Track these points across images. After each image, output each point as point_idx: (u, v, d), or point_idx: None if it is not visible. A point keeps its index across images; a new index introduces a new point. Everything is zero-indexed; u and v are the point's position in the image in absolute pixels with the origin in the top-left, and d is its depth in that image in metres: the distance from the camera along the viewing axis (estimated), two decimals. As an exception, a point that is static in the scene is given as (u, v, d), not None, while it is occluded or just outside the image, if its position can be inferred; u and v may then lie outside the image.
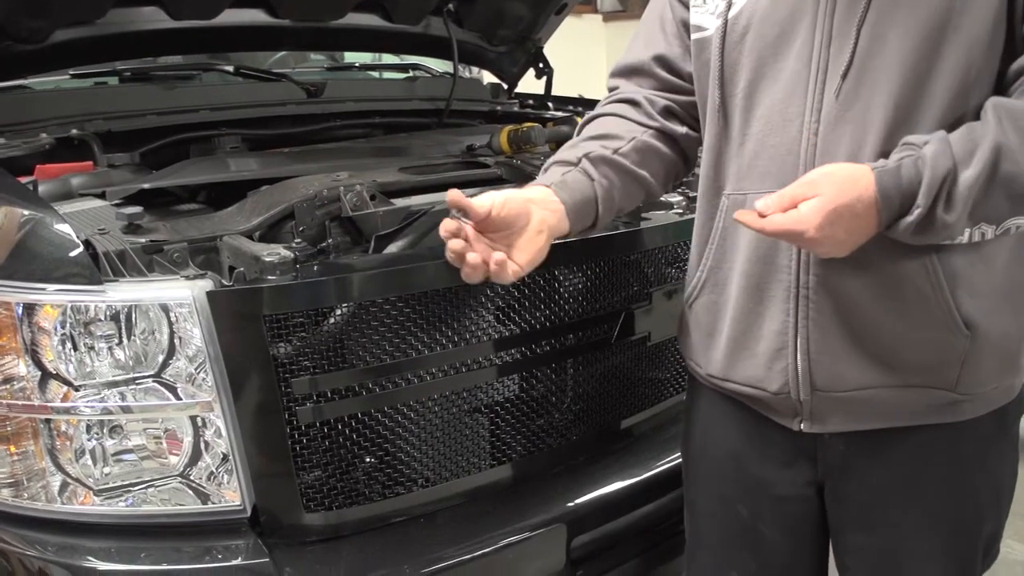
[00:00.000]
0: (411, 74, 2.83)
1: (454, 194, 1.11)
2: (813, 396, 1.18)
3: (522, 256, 1.16)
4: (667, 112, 1.35)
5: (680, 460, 1.65)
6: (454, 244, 1.11)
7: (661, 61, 1.34)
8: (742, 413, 1.30)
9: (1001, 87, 1.10)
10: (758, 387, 1.22)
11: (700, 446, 1.40)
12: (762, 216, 1.05)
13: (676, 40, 1.33)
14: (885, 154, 1.07)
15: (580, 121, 1.42)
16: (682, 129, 1.36)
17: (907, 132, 1.07)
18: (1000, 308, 1.16)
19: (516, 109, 2.80)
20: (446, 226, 1.11)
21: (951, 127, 1.06)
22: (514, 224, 1.16)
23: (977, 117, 1.07)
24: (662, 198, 1.74)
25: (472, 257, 1.10)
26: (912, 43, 1.06)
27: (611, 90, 1.41)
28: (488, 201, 1.13)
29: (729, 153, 1.22)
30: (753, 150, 1.18)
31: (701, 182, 1.28)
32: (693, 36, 1.27)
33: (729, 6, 1.19)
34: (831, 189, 1.02)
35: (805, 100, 1.12)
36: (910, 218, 1.02)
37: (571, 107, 2.66)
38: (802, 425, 1.22)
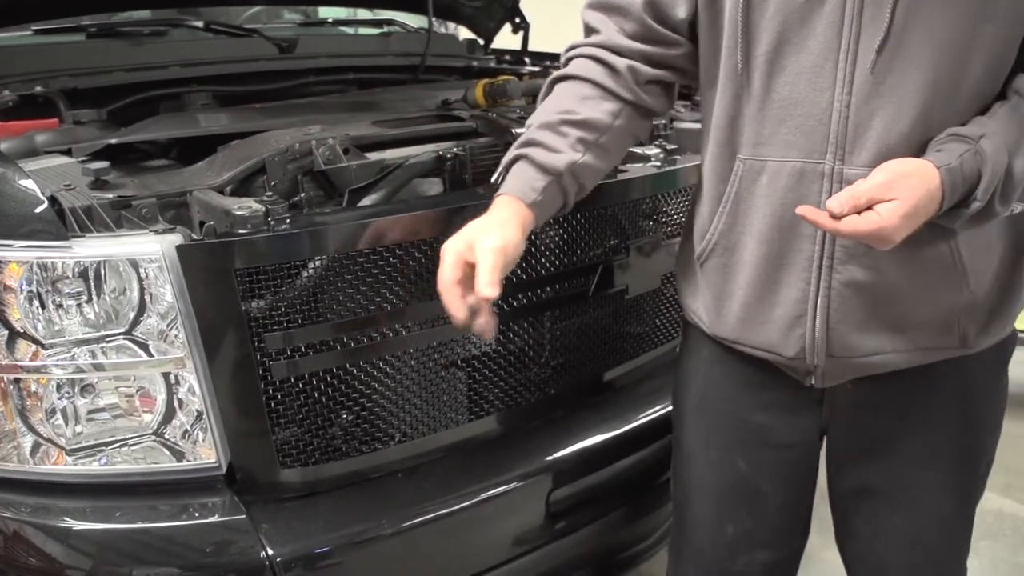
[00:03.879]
0: (385, 29, 2.79)
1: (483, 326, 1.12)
2: (827, 361, 1.19)
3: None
4: (649, 84, 1.28)
5: (659, 413, 1.67)
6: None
7: (651, 6, 1.25)
8: (747, 366, 1.30)
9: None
10: (772, 351, 1.23)
11: (700, 397, 1.39)
12: (834, 216, 1.03)
13: None
14: (919, 131, 1.06)
15: (555, 72, 1.35)
16: (658, 99, 1.31)
17: (943, 109, 1.06)
18: (1000, 260, 1.18)
19: (492, 65, 2.76)
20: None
21: (979, 102, 1.07)
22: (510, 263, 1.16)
23: (999, 89, 1.07)
24: (639, 150, 1.73)
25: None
26: (951, 18, 1.03)
27: (589, 28, 1.31)
28: (496, 281, 1.09)
29: (747, 116, 1.18)
30: (777, 117, 1.14)
31: (712, 142, 1.24)
32: None
33: None
34: (907, 191, 1.01)
35: (836, 71, 1.09)
36: (968, 211, 1.04)
37: (548, 63, 2.62)
38: (813, 381, 1.23)
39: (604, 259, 1.63)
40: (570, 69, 1.30)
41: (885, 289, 1.14)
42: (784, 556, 1.42)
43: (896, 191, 1.01)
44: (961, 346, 1.19)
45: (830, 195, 1.09)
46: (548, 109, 1.26)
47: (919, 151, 1.07)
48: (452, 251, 1.12)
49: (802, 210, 1.06)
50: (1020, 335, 3.26)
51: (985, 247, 1.16)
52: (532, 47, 2.79)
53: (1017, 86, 1.07)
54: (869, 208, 1.02)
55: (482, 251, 1.10)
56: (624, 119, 1.27)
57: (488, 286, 1.08)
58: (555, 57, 2.61)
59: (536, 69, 2.50)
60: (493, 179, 1.26)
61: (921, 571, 1.32)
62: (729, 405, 1.34)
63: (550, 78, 1.32)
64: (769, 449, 1.32)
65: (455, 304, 1.11)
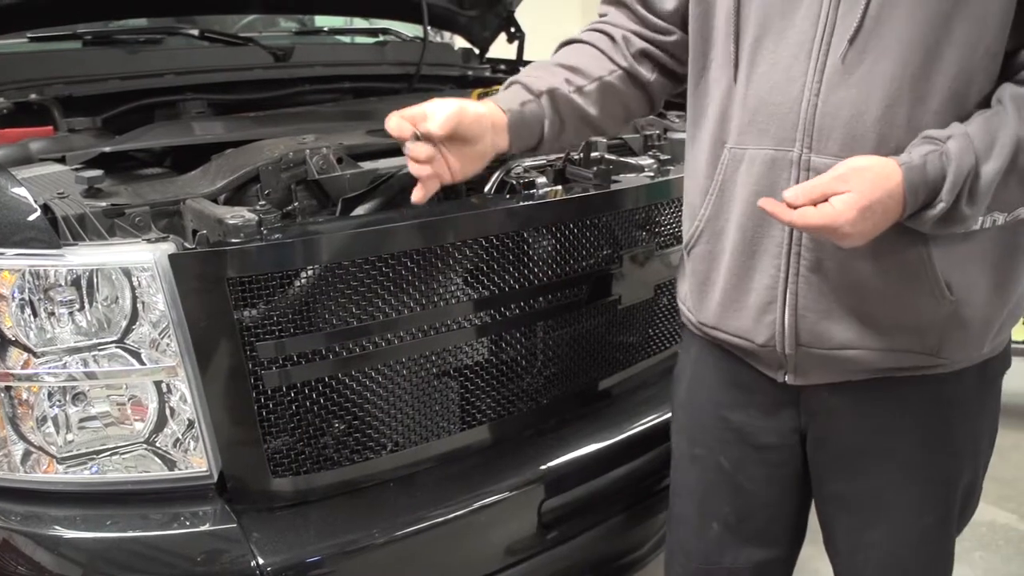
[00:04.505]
0: (381, 39, 2.79)
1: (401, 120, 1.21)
2: (798, 351, 1.20)
3: (466, 170, 1.26)
4: (641, 55, 1.36)
5: (652, 423, 1.68)
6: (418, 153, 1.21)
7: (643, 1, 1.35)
8: (729, 363, 1.32)
9: (1008, 68, 1.09)
10: (746, 338, 1.25)
11: (687, 395, 1.43)
12: (791, 207, 1.06)
13: None
14: (886, 123, 1.08)
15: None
16: (652, 75, 1.38)
17: (913, 104, 1.07)
18: (982, 277, 1.17)
19: (488, 74, 2.76)
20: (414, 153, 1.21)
21: (954, 104, 1.08)
22: (469, 142, 1.23)
23: (980, 96, 1.08)
24: (632, 160, 1.73)
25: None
26: (923, 14, 1.05)
27: (601, 16, 1.43)
28: (443, 119, 1.19)
29: (734, 107, 1.21)
30: (754, 106, 1.18)
31: (707, 132, 1.27)
32: None
33: None
34: (864, 184, 1.03)
35: (808, 61, 1.12)
36: (933, 212, 1.04)
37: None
38: (786, 377, 1.25)
39: (598, 269, 1.63)
40: (572, 36, 1.41)
41: (850, 282, 1.15)
42: (775, 558, 1.41)
43: (851, 183, 1.03)
44: (935, 355, 1.19)
45: (798, 182, 1.12)
46: (547, 61, 1.39)
47: (887, 143, 1.08)
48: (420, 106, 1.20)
49: (763, 202, 1.10)
50: (1018, 345, 3.25)
51: (968, 260, 1.15)
52: (527, 56, 2.79)
53: (999, 95, 1.08)
54: (825, 201, 1.04)
55: (439, 100, 1.21)
56: (615, 79, 1.36)
57: (432, 121, 1.18)
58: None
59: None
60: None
61: None
62: (711, 404, 1.36)
63: (559, 44, 1.43)
64: (751, 449, 1.33)
65: (401, 125, 1.21)
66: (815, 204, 1.04)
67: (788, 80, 1.14)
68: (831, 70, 1.10)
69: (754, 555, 1.40)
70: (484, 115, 1.24)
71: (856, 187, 1.03)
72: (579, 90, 1.33)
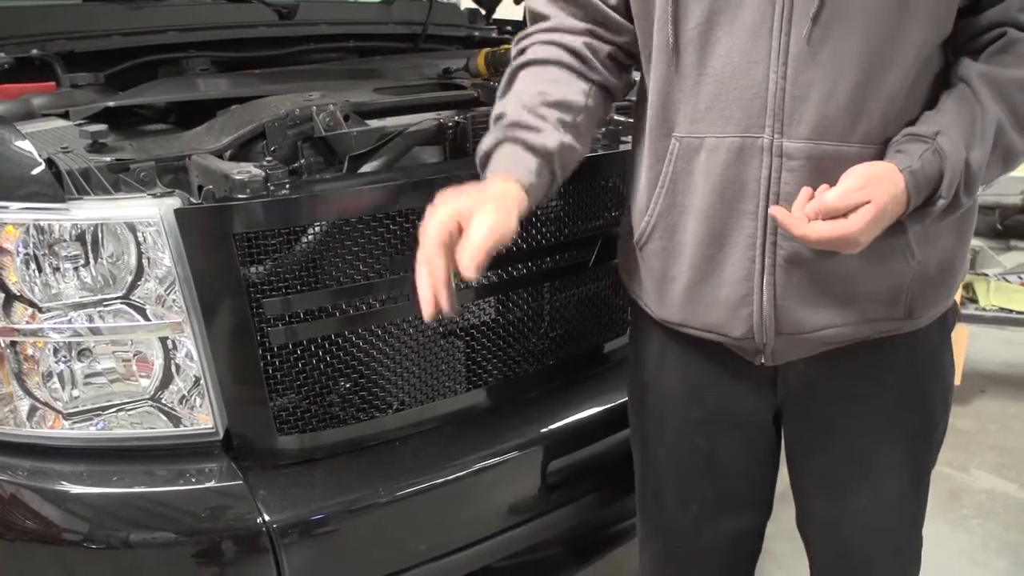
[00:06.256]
0: (387, -2, 2.75)
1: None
2: (777, 339, 1.18)
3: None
4: (609, 59, 1.24)
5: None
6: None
7: None
8: (699, 349, 1.27)
9: (964, 29, 1.09)
10: (720, 333, 1.21)
11: (651, 381, 1.37)
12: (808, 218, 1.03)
13: None
14: (858, 101, 1.05)
15: (515, 48, 1.27)
16: (619, 79, 1.27)
17: (881, 78, 1.05)
18: (946, 232, 1.18)
19: (494, 35, 2.73)
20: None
21: (920, 73, 1.07)
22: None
23: (942, 64, 1.09)
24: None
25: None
26: None
27: (537, 15, 1.26)
28: (481, 263, 0.98)
29: (681, 93, 1.14)
30: (712, 92, 1.11)
31: (648, 122, 1.20)
32: None
33: None
34: (880, 193, 1.01)
35: (771, 41, 1.06)
36: (934, 208, 1.04)
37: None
38: (763, 360, 1.22)
39: (605, 230, 1.62)
40: (530, 55, 1.23)
41: (829, 268, 1.13)
42: (749, 526, 1.42)
43: (869, 192, 1.01)
44: (907, 318, 1.19)
45: (770, 170, 1.09)
46: (521, 92, 1.20)
47: (857, 123, 1.06)
48: (449, 208, 1.01)
49: (774, 211, 1.05)
50: (1019, 314, 3.23)
51: (939, 224, 1.14)
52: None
53: (963, 74, 1.07)
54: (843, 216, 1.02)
55: (478, 223, 0.99)
56: (594, 99, 1.23)
57: (472, 266, 0.97)
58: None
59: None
60: (477, 160, 1.18)
61: (884, 545, 1.33)
62: (683, 386, 1.32)
63: (510, 67, 1.24)
64: (726, 427, 1.31)
65: (435, 274, 0.99)
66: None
67: (750, 62, 1.08)
68: (796, 49, 1.05)
69: (731, 526, 1.39)
70: (515, 224, 1.04)
71: (874, 196, 1.00)
72: (575, 129, 1.19)
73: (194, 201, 1.25)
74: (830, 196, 1.01)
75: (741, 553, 1.45)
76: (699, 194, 1.15)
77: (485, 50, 1.95)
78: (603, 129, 1.63)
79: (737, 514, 1.39)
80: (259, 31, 2.23)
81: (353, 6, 2.80)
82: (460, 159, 1.54)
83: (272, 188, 1.26)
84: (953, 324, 1.31)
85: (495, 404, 1.55)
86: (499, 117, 1.17)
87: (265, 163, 1.32)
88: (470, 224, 1.00)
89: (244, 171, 1.26)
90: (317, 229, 1.30)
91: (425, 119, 1.55)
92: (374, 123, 1.52)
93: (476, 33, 2.71)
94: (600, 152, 1.58)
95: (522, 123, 1.15)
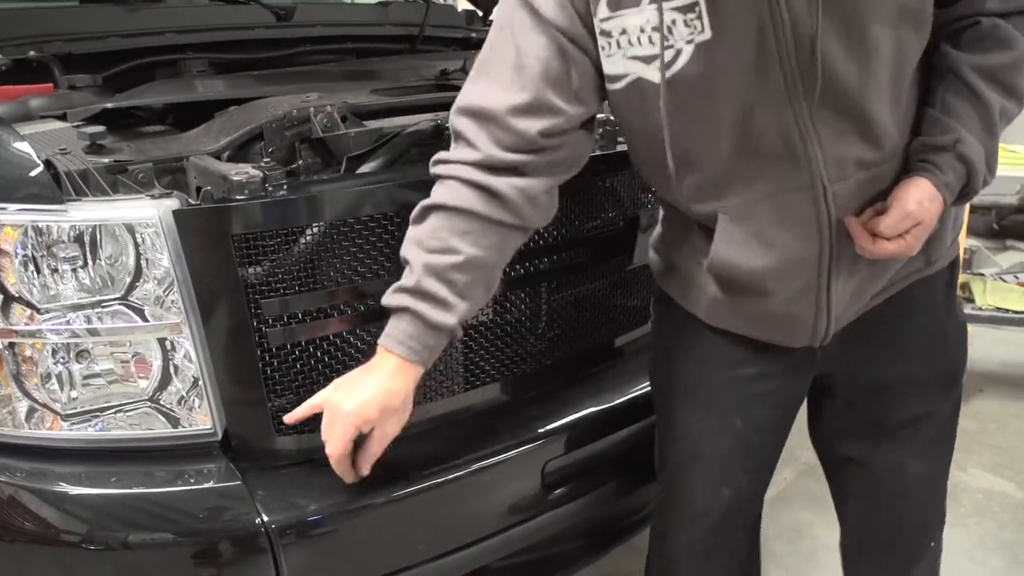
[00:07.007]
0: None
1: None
2: (828, 330, 1.24)
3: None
4: (541, 196, 1.20)
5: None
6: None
7: (520, 111, 1.13)
8: (740, 342, 1.31)
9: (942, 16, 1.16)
10: (781, 344, 1.27)
11: (697, 371, 1.38)
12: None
13: (565, 79, 1.15)
14: (883, 136, 1.13)
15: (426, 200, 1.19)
16: (545, 214, 1.24)
17: (897, 107, 1.14)
18: None
19: (491, 36, 2.73)
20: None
21: (915, 78, 1.16)
22: None
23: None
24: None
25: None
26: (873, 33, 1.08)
27: (460, 137, 1.17)
28: (376, 456, 1.25)
29: (722, 175, 1.16)
30: (757, 167, 1.14)
31: (685, 199, 1.21)
32: (612, 85, 1.16)
33: (676, 57, 1.08)
34: (930, 214, 1.12)
35: (792, 112, 1.10)
36: (966, 200, 1.18)
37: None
38: (814, 344, 1.26)
39: (607, 230, 1.62)
40: (443, 197, 1.16)
41: (878, 265, 1.22)
42: (760, 490, 1.50)
43: (922, 215, 1.11)
44: (926, 267, 1.29)
45: (826, 205, 1.14)
46: (426, 245, 1.16)
47: (883, 147, 1.14)
48: (350, 426, 1.19)
49: (849, 221, 1.13)
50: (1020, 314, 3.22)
51: None
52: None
53: (952, 65, 1.14)
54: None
55: (379, 439, 1.22)
56: (511, 244, 1.22)
57: (367, 469, 1.25)
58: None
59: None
60: (383, 301, 1.20)
61: (926, 491, 1.44)
62: (728, 371, 1.34)
63: (421, 204, 1.19)
64: (767, 408, 1.36)
65: (344, 475, 1.25)
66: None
67: (785, 142, 1.10)
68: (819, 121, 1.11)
69: (748, 491, 1.45)
70: (409, 406, 1.24)
71: (924, 219, 1.11)
72: (479, 282, 1.19)
73: (192, 202, 1.26)
74: (884, 228, 1.11)
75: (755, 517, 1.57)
76: (760, 227, 1.18)
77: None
78: (600, 129, 1.63)
79: (753, 482, 1.46)
80: (256, 33, 2.23)
81: (350, 8, 2.81)
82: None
83: (270, 189, 1.26)
84: (959, 267, 1.40)
85: (493, 404, 1.56)
86: (405, 262, 1.18)
87: (263, 164, 1.32)
88: (371, 437, 1.22)
89: (242, 172, 1.26)
90: (315, 230, 1.30)
91: (422, 120, 1.55)
92: (372, 124, 1.52)
93: (473, 34, 2.71)
94: (598, 152, 1.58)
95: (427, 292, 1.15)
